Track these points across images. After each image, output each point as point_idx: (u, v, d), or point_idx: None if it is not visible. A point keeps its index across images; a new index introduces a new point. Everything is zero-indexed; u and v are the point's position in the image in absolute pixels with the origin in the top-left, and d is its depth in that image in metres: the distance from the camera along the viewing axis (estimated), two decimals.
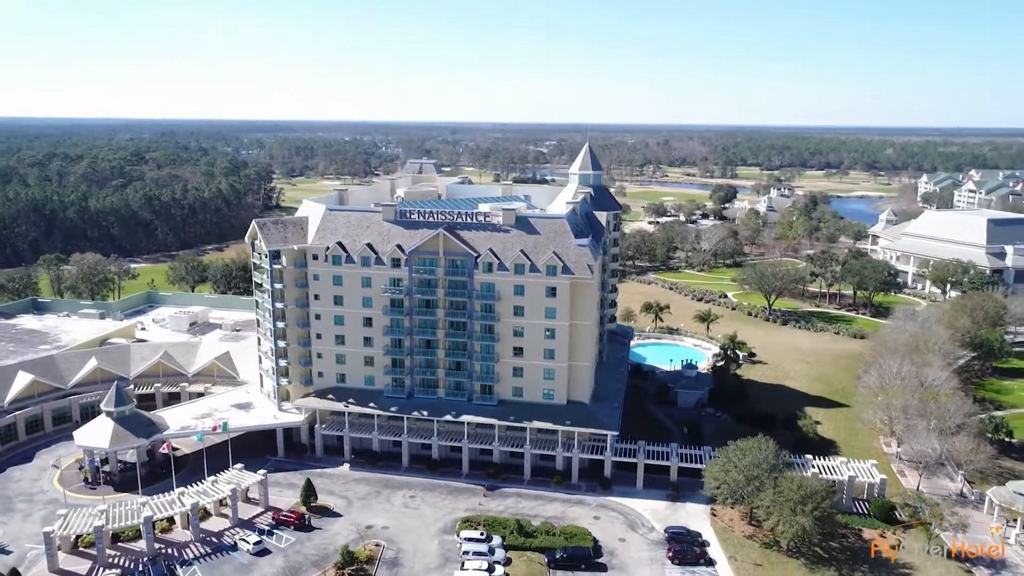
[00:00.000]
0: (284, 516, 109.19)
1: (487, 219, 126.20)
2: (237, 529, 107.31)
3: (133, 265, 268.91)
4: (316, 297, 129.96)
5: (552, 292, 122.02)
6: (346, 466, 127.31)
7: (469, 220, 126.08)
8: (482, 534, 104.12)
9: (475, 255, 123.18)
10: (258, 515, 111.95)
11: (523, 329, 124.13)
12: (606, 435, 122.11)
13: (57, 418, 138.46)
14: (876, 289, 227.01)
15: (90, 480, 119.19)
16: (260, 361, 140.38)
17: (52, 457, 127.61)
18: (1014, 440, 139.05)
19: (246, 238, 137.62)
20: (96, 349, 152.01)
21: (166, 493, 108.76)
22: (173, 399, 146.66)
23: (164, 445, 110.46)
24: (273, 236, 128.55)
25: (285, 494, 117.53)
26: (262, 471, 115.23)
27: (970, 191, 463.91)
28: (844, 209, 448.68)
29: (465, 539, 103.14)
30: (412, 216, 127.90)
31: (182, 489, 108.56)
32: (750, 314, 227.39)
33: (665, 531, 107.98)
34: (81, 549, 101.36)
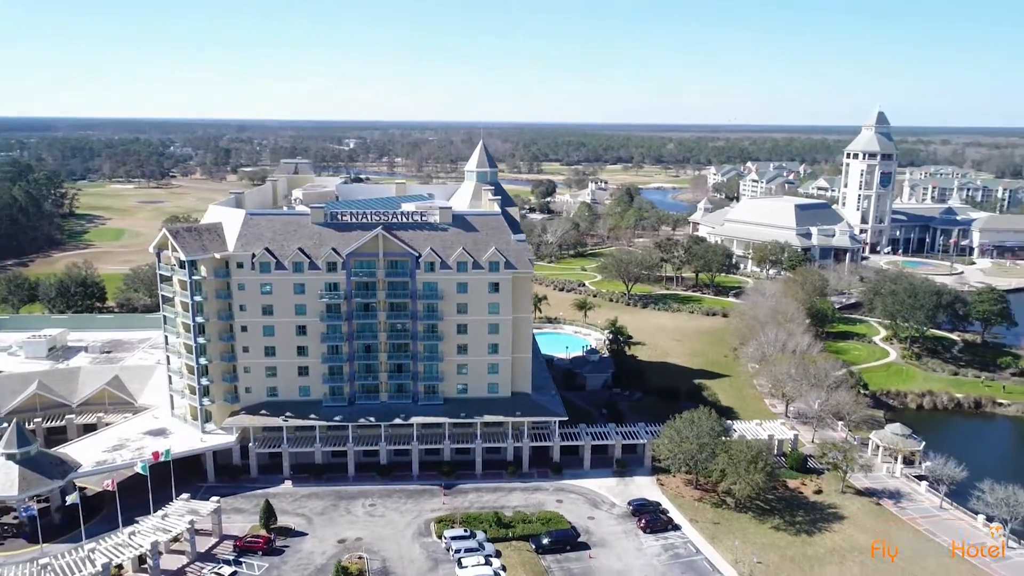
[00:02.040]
0: (250, 542, 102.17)
1: (423, 218, 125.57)
2: (200, 564, 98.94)
3: None
4: (242, 308, 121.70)
5: (495, 288, 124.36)
6: (288, 483, 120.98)
7: (405, 220, 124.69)
8: (466, 531, 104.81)
9: (416, 255, 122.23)
10: (215, 546, 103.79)
11: (467, 326, 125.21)
12: (549, 422, 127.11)
13: None
14: (718, 270, 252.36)
15: None
16: (170, 381, 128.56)
17: None
18: (867, 392, 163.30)
19: (150, 248, 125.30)
20: None
21: (111, 535, 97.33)
22: (56, 434, 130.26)
23: (110, 482, 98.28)
24: (191, 245, 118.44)
25: (234, 520, 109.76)
26: (215, 498, 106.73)
27: (753, 181, 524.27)
28: (648, 199, 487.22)
29: (451, 538, 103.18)
30: (344, 218, 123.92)
31: (131, 528, 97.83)
32: (611, 300, 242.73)
33: (629, 504, 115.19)
34: None
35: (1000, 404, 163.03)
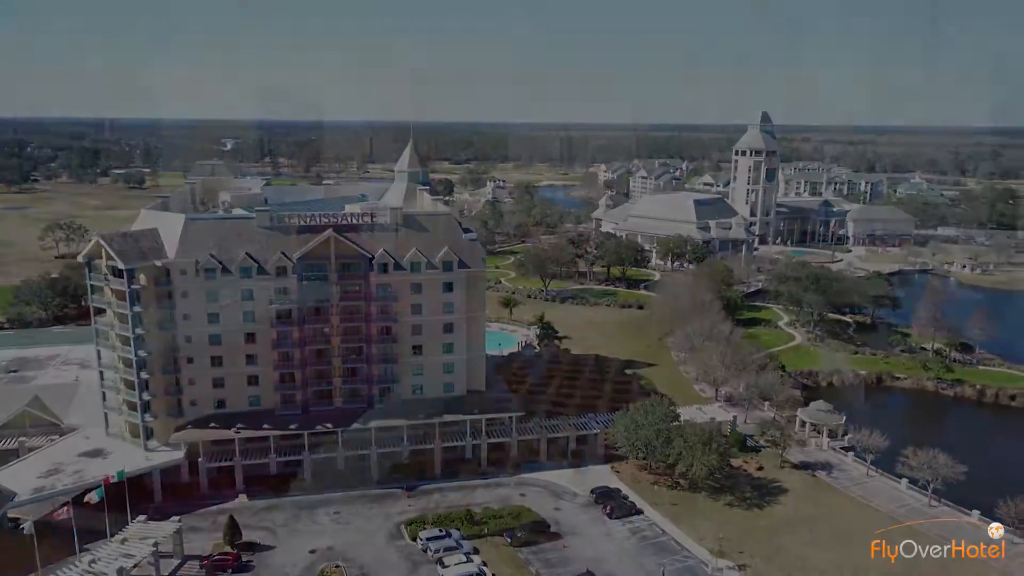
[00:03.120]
0: (219, 560, 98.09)
1: (374, 219, 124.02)
2: None
3: None
4: (185, 317, 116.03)
5: (449, 287, 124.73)
6: (243, 497, 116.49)
7: (355, 221, 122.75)
8: (441, 531, 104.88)
9: (369, 256, 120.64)
10: (178, 567, 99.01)
11: (422, 327, 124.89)
12: (503, 418, 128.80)
13: None
14: (631, 264, 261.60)
15: None
16: (104, 398, 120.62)
17: None
18: (783, 373, 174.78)
19: (80, 257, 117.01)
20: None
21: (69, 565, 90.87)
22: None
23: (64, 509, 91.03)
24: (129, 252, 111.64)
25: (191, 539, 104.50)
26: (175, 518, 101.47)
27: (643, 178, 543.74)
28: (545, 197, 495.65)
29: (427, 539, 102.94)
30: (292, 221, 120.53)
31: (90, 557, 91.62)
32: (530, 296, 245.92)
33: (591, 492, 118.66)
34: None
35: (898, 379, 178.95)
